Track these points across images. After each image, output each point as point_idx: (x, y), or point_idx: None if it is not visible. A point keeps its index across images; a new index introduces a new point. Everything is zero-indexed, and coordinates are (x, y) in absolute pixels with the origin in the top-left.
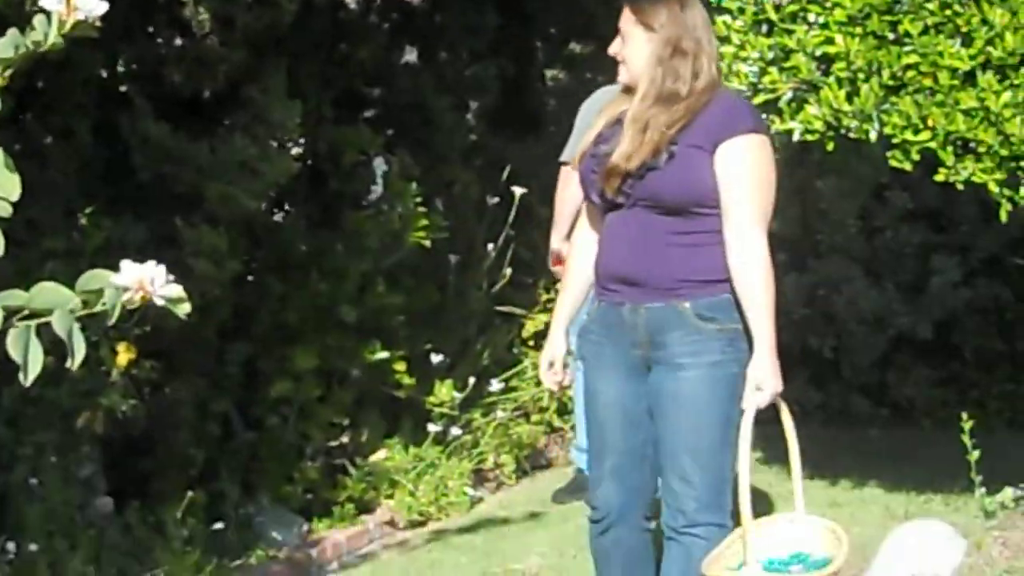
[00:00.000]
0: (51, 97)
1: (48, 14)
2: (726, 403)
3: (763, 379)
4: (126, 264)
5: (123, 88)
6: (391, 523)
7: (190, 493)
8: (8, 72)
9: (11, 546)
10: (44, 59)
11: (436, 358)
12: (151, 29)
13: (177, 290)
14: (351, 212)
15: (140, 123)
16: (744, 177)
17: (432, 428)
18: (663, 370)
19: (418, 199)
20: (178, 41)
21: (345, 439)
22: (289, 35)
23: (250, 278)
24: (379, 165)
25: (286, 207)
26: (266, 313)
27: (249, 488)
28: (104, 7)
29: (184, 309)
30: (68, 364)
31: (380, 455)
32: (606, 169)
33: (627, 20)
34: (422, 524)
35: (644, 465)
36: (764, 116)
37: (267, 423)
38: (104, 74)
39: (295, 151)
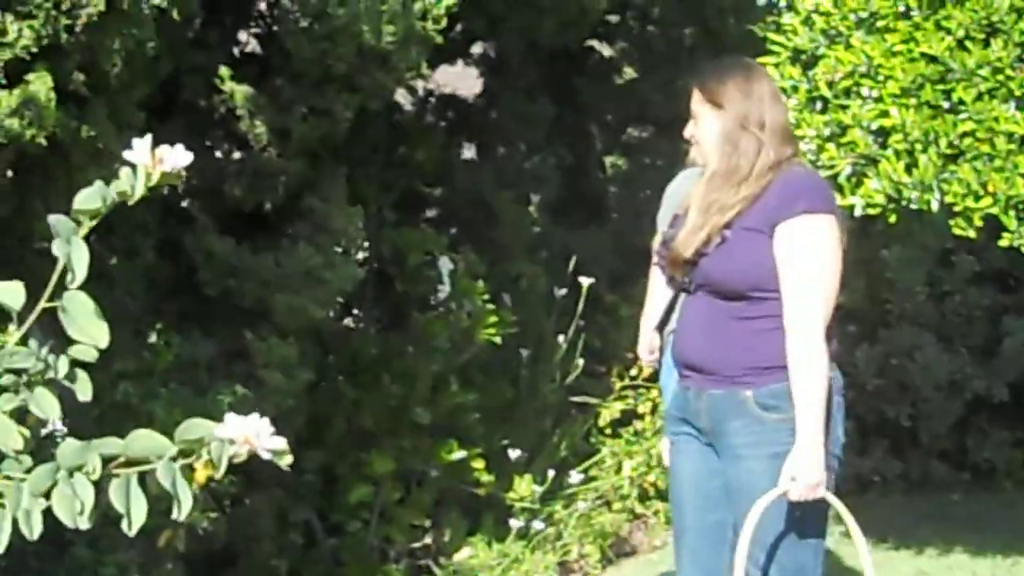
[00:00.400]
0: (113, 217)
1: (134, 166)
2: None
3: (798, 470)
4: (230, 417)
5: (184, 204)
6: None
7: None
8: (94, 222)
9: None
10: None
11: (514, 453)
12: (208, 144)
13: (281, 443)
14: (419, 313)
15: (203, 239)
16: (799, 265)
17: (514, 523)
18: (727, 458)
19: (485, 296)
20: (236, 155)
21: (428, 540)
22: (346, 142)
23: (322, 385)
24: (444, 265)
25: (354, 312)
26: (340, 419)
27: None
28: (189, 158)
29: (287, 461)
30: (174, 515)
31: (464, 554)
32: (670, 257)
33: (696, 100)
34: None
35: (721, 547)
36: None
37: (348, 528)
38: (165, 191)
39: (360, 256)
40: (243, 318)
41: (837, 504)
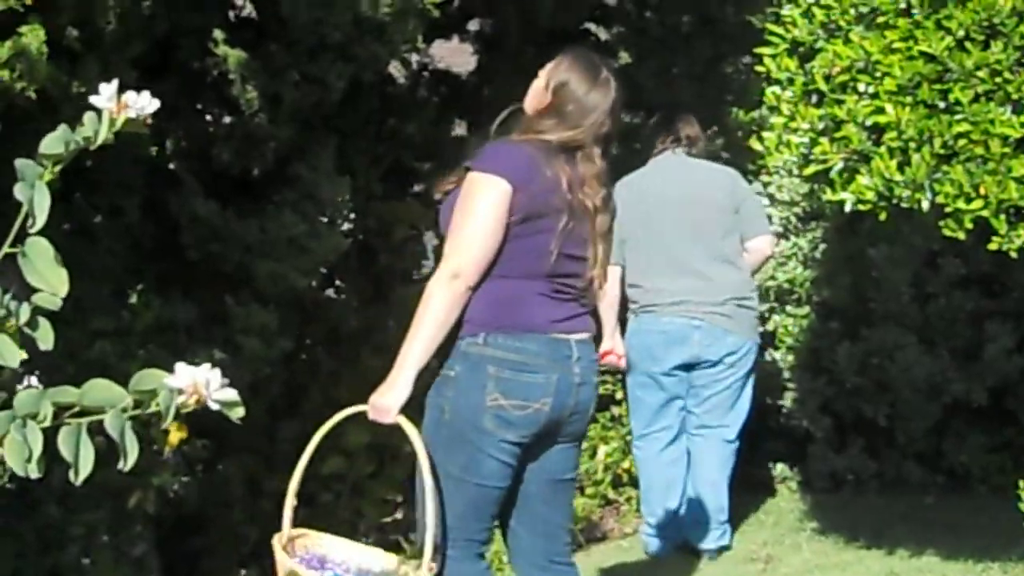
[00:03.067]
0: (99, 175)
1: (99, 111)
2: (436, 448)
3: (376, 393)
4: (180, 366)
5: (171, 166)
6: None
7: (243, 572)
8: (58, 167)
9: None
10: None
11: None
12: (199, 107)
13: (232, 394)
14: (402, 287)
15: (189, 201)
16: (455, 215)
17: None
18: None
19: None
20: (226, 119)
21: (399, 515)
22: (337, 111)
23: (302, 355)
24: (430, 240)
25: (337, 283)
26: (317, 390)
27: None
28: (156, 105)
29: (238, 413)
30: (120, 465)
31: None
32: None
33: None
34: None
35: None
36: (816, 186)
37: (320, 500)
38: (152, 152)
39: (345, 227)
40: (225, 283)
41: (412, 435)
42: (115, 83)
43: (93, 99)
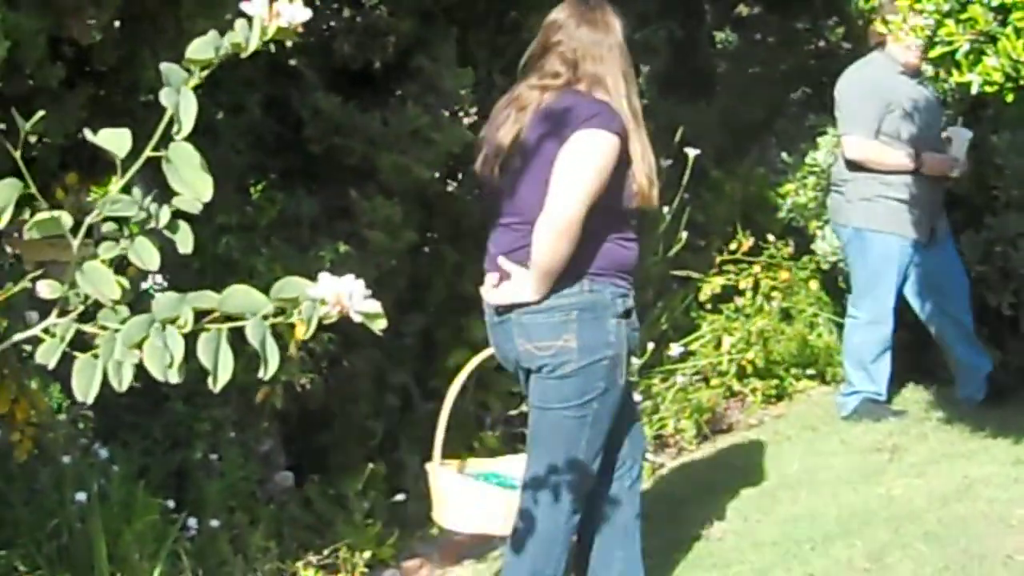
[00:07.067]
0: (220, 72)
1: (250, 18)
2: None
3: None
4: (324, 276)
5: (292, 62)
6: None
7: (370, 465)
8: (205, 72)
9: (192, 522)
10: None
11: None
12: (319, 2)
13: (375, 306)
14: None
15: (310, 96)
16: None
17: None
18: None
19: None
20: (346, 13)
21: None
22: (458, 4)
23: (425, 248)
24: None
25: (459, 176)
26: (441, 283)
27: (429, 459)
28: (308, 14)
29: (380, 325)
30: (260, 373)
31: None
32: None
33: None
34: None
35: None
36: (941, 70)
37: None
38: (272, 48)
39: (467, 121)
40: (348, 176)
41: None
42: None
43: (244, 6)
